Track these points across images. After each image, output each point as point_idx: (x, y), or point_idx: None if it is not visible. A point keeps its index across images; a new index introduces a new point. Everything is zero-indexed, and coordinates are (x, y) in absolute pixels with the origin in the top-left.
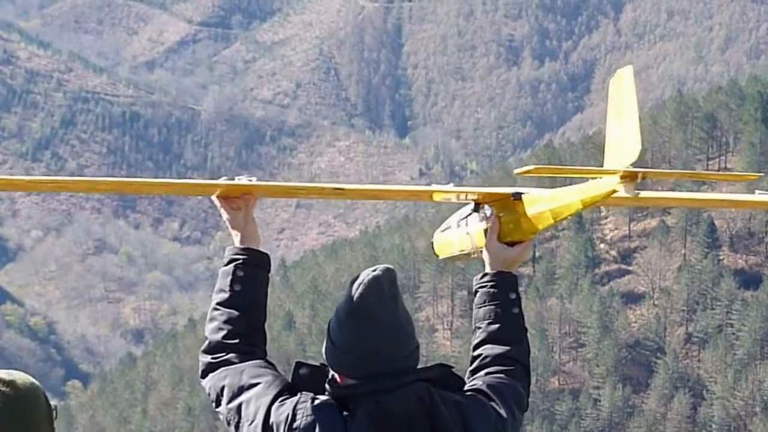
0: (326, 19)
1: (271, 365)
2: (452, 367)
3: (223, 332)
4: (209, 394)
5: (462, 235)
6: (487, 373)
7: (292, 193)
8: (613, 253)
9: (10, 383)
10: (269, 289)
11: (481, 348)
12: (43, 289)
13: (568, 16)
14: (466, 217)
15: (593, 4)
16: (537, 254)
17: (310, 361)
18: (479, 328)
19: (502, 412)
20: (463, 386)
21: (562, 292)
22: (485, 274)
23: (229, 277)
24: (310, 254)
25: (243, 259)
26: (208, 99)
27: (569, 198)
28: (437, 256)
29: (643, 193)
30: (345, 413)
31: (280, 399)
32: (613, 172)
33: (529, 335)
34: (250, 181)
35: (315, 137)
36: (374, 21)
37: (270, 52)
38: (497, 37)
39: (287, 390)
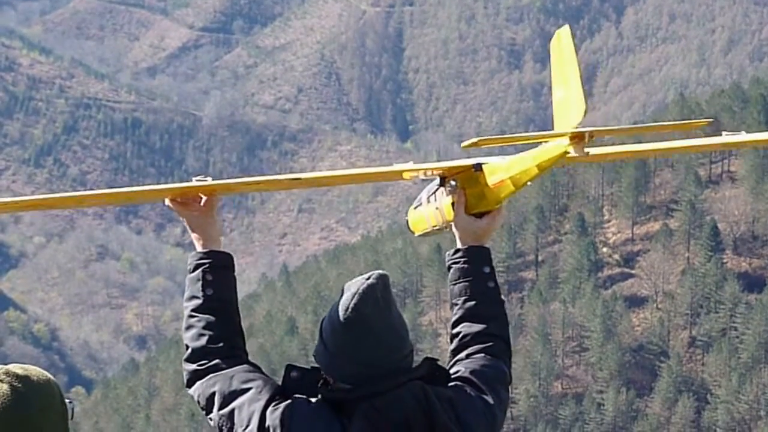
0: (327, 24)
1: (258, 368)
2: (437, 359)
3: (205, 338)
4: (198, 402)
5: (432, 210)
6: (468, 355)
7: (250, 188)
8: (616, 256)
9: (23, 378)
10: (273, 294)
11: (460, 326)
12: (46, 296)
13: (570, 20)
14: (434, 192)
15: (595, 8)
16: (540, 258)
17: (300, 364)
18: (456, 305)
19: (489, 398)
20: (449, 376)
21: (565, 296)
22: (457, 250)
23: (200, 282)
24: (313, 259)
25: (209, 262)
26: (210, 104)
27: (525, 164)
28: (413, 232)
29: (594, 150)
30: (341, 416)
31: (274, 403)
32: (562, 135)
33: (531, 339)
34: (204, 181)
35: (317, 142)
36: (375, 25)
37: (271, 57)
38: (499, 41)
39: (279, 394)
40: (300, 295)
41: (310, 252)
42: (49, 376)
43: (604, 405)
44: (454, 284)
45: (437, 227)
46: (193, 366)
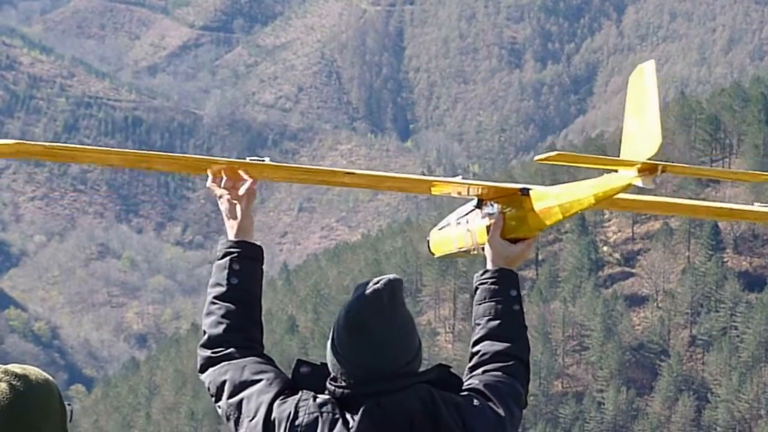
0: (328, 23)
1: (271, 361)
2: (450, 367)
3: (223, 326)
4: (208, 389)
5: (462, 232)
6: (485, 371)
7: (300, 176)
8: (617, 255)
9: (22, 378)
10: (273, 293)
11: (480, 344)
12: (47, 294)
13: (571, 19)
14: (467, 213)
15: (595, 6)
16: (540, 257)
17: (311, 360)
18: (479, 324)
19: (500, 411)
20: (462, 386)
21: (566, 295)
22: (486, 271)
23: (226, 271)
24: (313, 258)
25: (238, 251)
26: (210, 103)
27: (581, 192)
28: (433, 254)
29: (648, 197)
30: (346, 413)
31: (281, 396)
32: (632, 164)
33: (532, 338)
34: (254, 160)
35: (317, 141)
36: (376, 24)
37: (272, 56)
38: (499, 40)
39: (288, 388)
40: (300, 293)
41: (311, 251)
42: (48, 376)
43: (604, 404)
44: (480, 304)
45: (464, 249)
46: (208, 352)
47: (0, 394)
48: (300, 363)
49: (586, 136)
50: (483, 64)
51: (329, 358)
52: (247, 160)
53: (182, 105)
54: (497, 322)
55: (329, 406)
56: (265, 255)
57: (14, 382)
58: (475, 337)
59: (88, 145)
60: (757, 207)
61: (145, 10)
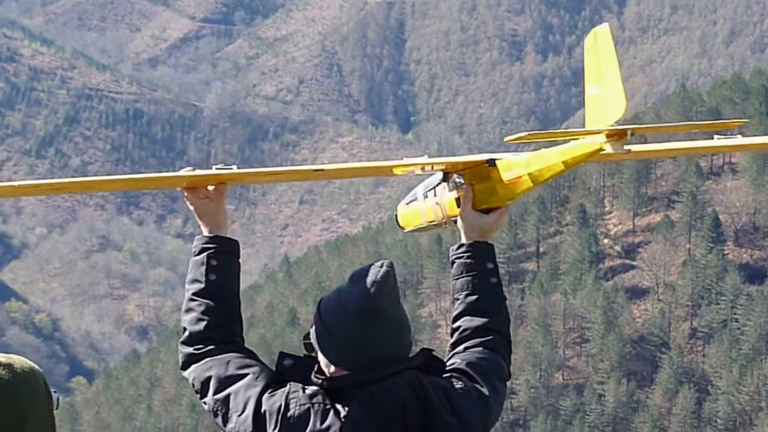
0: (329, 15)
1: (254, 355)
2: (433, 350)
3: (204, 323)
4: (193, 385)
5: (431, 205)
6: (466, 348)
7: (267, 179)
8: (617, 248)
9: (7, 366)
10: (274, 285)
11: (460, 320)
12: (48, 286)
13: (572, 11)
14: (434, 187)
15: None
16: (541, 249)
17: (292, 352)
18: (458, 299)
19: (484, 390)
20: (445, 367)
21: (566, 287)
22: (461, 245)
23: (203, 267)
24: (314, 250)
25: (214, 247)
26: (211, 95)
27: (550, 159)
28: (402, 228)
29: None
30: (337, 403)
31: (269, 390)
32: (601, 132)
33: (533, 330)
34: (223, 169)
35: (318, 133)
36: (377, 17)
37: (273, 48)
38: (500, 33)
39: (275, 381)
40: (301, 285)
41: (312, 243)
42: (33, 365)
43: (604, 396)
44: (457, 279)
45: (434, 223)
46: (190, 349)
47: None
48: (283, 355)
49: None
50: (484, 56)
51: (326, 347)
52: (213, 169)
53: (183, 97)
54: (475, 296)
55: (320, 397)
56: (240, 249)
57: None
58: (454, 313)
59: (89, 137)
60: (716, 140)
61: (146, 2)
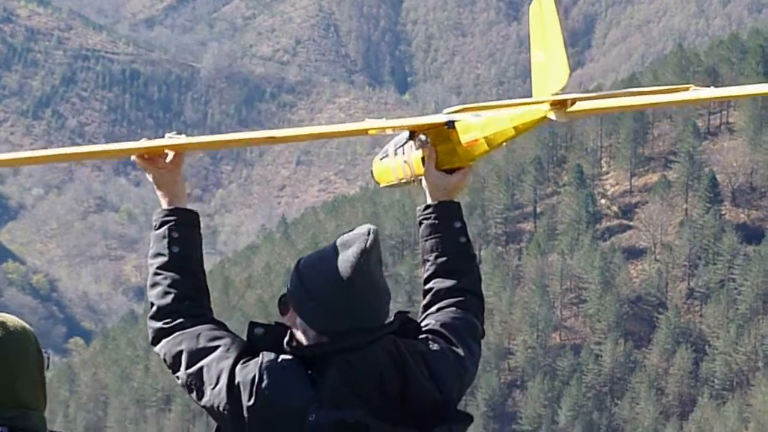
0: None
1: (224, 326)
2: (408, 312)
3: (171, 296)
4: (164, 360)
5: (400, 162)
6: (439, 309)
7: (223, 145)
8: (615, 208)
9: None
10: (271, 246)
11: (432, 282)
12: (45, 247)
13: None
14: (403, 145)
15: None
16: (538, 210)
17: (263, 321)
18: (428, 261)
19: (460, 351)
20: (420, 329)
21: (563, 247)
22: (428, 206)
23: (165, 240)
24: (311, 211)
25: (175, 219)
26: (208, 56)
27: (502, 124)
28: (378, 183)
29: (576, 106)
30: (310, 372)
31: (242, 360)
32: (543, 102)
33: (530, 291)
34: (173, 137)
35: (315, 94)
36: None
37: (269, 8)
38: None
39: (247, 351)
40: (298, 246)
41: (309, 204)
42: (25, 324)
43: (602, 356)
44: (426, 240)
45: (404, 180)
46: (159, 324)
47: None
48: (253, 325)
49: (584, 88)
50: (481, 16)
51: (307, 313)
52: (167, 137)
53: (180, 58)
54: (445, 258)
55: (295, 365)
56: (201, 218)
57: None
58: (425, 275)
59: (86, 98)
60: (692, 91)
61: None
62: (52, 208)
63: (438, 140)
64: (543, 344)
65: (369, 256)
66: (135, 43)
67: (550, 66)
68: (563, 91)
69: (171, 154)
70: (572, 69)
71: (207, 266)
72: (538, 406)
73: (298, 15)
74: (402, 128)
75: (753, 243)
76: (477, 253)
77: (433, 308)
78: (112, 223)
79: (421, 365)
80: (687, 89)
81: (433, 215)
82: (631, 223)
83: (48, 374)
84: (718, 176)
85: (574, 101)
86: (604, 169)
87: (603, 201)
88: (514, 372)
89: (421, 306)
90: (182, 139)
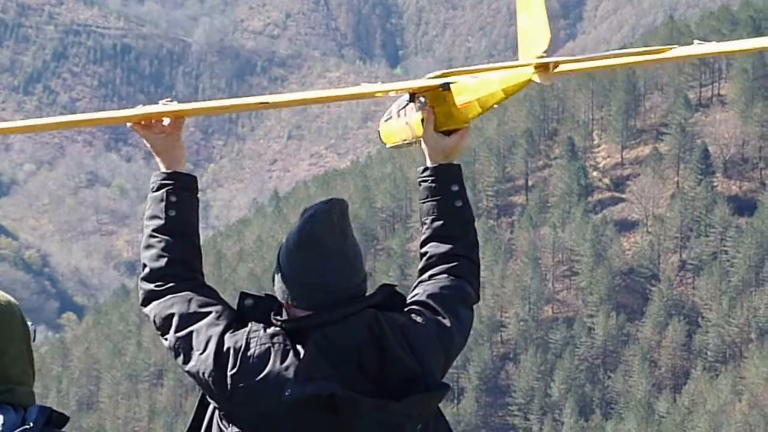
0: None
1: (216, 293)
2: (395, 285)
3: (165, 259)
4: (154, 322)
5: (402, 124)
6: (431, 276)
7: (216, 111)
8: (606, 180)
9: None
10: (263, 219)
11: (427, 246)
12: (37, 223)
13: None
14: (404, 107)
15: None
16: (530, 183)
17: (254, 292)
18: (425, 224)
19: (446, 321)
20: (404, 302)
21: (555, 220)
22: (426, 168)
23: (163, 203)
24: (302, 185)
25: (173, 183)
26: (199, 30)
27: (492, 87)
28: (384, 144)
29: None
30: (297, 344)
31: (231, 329)
32: (527, 65)
33: (522, 264)
34: (167, 104)
35: (306, 68)
36: None
37: None
38: None
39: (237, 320)
40: (290, 220)
41: (300, 178)
42: (9, 297)
43: (594, 329)
44: (423, 203)
45: (407, 141)
46: (151, 286)
47: None
48: (244, 295)
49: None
50: None
51: (277, 286)
52: (160, 104)
53: (171, 32)
54: (441, 222)
55: (280, 337)
56: (198, 185)
57: None
58: (422, 238)
59: (77, 73)
60: (676, 50)
61: None
62: (44, 183)
63: (435, 102)
64: (535, 317)
65: (321, 222)
66: (126, 18)
67: (532, 30)
68: (546, 53)
69: (169, 119)
70: (564, 41)
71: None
72: (530, 379)
73: None
74: (400, 91)
75: (745, 215)
76: None
77: (426, 275)
78: (103, 198)
79: (400, 338)
80: (669, 49)
81: (430, 178)
82: (623, 196)
83: (41, 350)
84: (709, 148)
85: (556, 64)
86: (595, 142)
87: (594, 173)
88: (506, 345)
89: (418, 269)
90: (177, 106)
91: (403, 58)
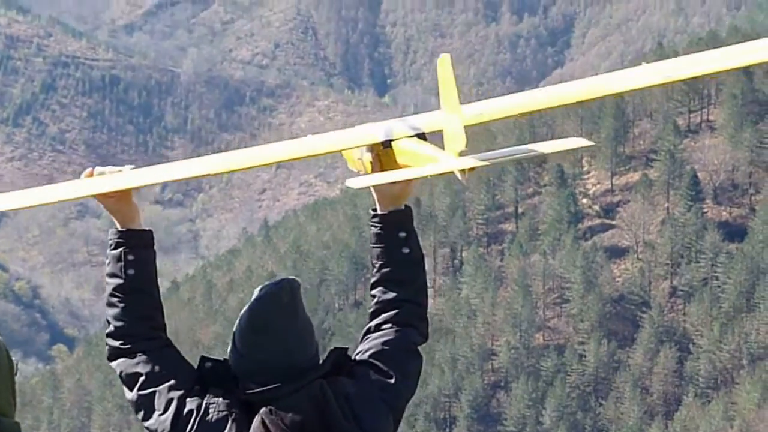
0: None
1: (177, 352)
2: (346, 348)
3: (128, 318)
4: (120, 377)
5: (357, 158)
6: (377, 326)
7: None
8: (596, 207)
9: None
10: (253, 249)
11: (376, 290)
12: (27, 254)
13: None
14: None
15: None
16: (520, 210)
17: (214, 356)
18: (374, 267)
19: (391, 381)
20: (354, 363)
21: (545, 247)
22: (375, 215)
23: (121, 263)
24: (292, 214)
25: (129, 241)
26: (188, 61)
27: (422, 171)
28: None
29: (478, 113)
30: (250, 416)
31: (191, 394)
32: (450, 171)
33: (512, 292)
34: (116, 173)
35: (295, 97)
36: None
37: (248, 12)
38: None
39: (198, 383)
40: (280, 250)
41: (290, 207)
42: None
43: (585, 356)
44: (372, 248)
45: (360, 173)
46: (116, 343)
47: None
48: (204, 359)
49: None
50: (459, 17)
51: (231, 359)
52: (99, 171)
53: (159, 63)
54: (388, 268)
55: (236, 408)
56: (154, 239)
57: None
58: (372, 280)
59: (66, 105)
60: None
61: None
62: (34, 214)
63: (381, 153)
64: (526, 345)
65: (270, 305)
66: (115, 49)
67: (450, 127)
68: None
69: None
70: (552, 68)
71: (189, 270)
72: (522, 407)
73: (277, 19)
74: (340, 150)
75: (735, 241)
76: (459, 254)
77: (373, 324)
78: (93, 229)
79: (345, 409)
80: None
81: (378, 225)
82: (613, 222)
83: (32, 381)
84: (699, 174)
85: (473, 168)
86: (585, 169)
87: (584, 200)
88: (497, 373)
89: (369, 311)
90: (123, 176)
91: (391, 87)
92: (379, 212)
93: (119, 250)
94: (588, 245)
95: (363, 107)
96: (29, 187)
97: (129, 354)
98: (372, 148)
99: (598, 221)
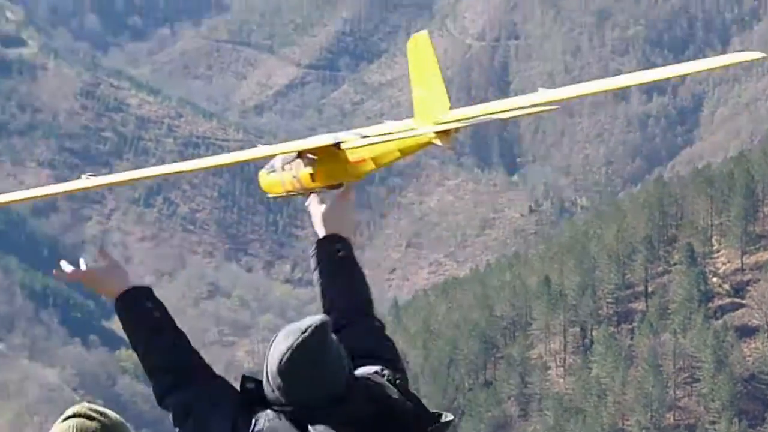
0: None
1: (224, 380)
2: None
3: (165, 374)
4: (173, 416)
5: (289, 178)
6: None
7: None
8: (726, 286)
9: (104, 414)
10: None
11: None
12: None
13: (675, 51)
14: (291, 161)
15: (700, 38)
16: (650, 289)
17: (255, 376)
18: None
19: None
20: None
21: (676, 327)
22: (316, 242)
23: (134, 336)
24: (422, 294)
25: (130, 310)
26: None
27: (388, 147)
28: (265, 193)
29: (456, 113)
30: (301, 429)
31: (242, 416)
32: (427, 132)
33: (642, 371)
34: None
35: (424, 176)
36: (481, 59)
37: (378, 93)
38: (604, 73)
39: (246, 405)
40: (410, 329)
41: (419, 286)
42: (122, 419)
43: None
44: (314, 270)
45: (293, 193)
46: (162, 393)
47: (92, 430)
48: (245, 379)
49: (693, 166)
50: (589, 97)
51: (266, 392)
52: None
53: None
54: (336, 289)
55: (285, 425)
56: (155, 292)
57: (102, 419)
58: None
59: (197, 185)
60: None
61: (251, 50)
62: (164, 295)
63: (327, 159)
64: (657, 424)
65: (297, 355)
66: (245, 130)
67: (432, 99)
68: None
69: (71, 267)
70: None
71: None
72: None
73: (407, 99)
74: (293, 150)
75: None
76: (589, 333)
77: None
78: (224, 309)
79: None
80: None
81: (315, 251)
82: (744, 301)
83: None
84: None
85: (457, 129)
86: (715, 248)
87: (714, 279)
88: None
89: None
90: (83, 181)
91: (520, 166)
92: (318, 239)
93: (131, 322)
94: (718, 324)
95: (492, 186)
96: (160, 267)
97: (180, 387)
98: (310, 159)
99: (728, 300)
